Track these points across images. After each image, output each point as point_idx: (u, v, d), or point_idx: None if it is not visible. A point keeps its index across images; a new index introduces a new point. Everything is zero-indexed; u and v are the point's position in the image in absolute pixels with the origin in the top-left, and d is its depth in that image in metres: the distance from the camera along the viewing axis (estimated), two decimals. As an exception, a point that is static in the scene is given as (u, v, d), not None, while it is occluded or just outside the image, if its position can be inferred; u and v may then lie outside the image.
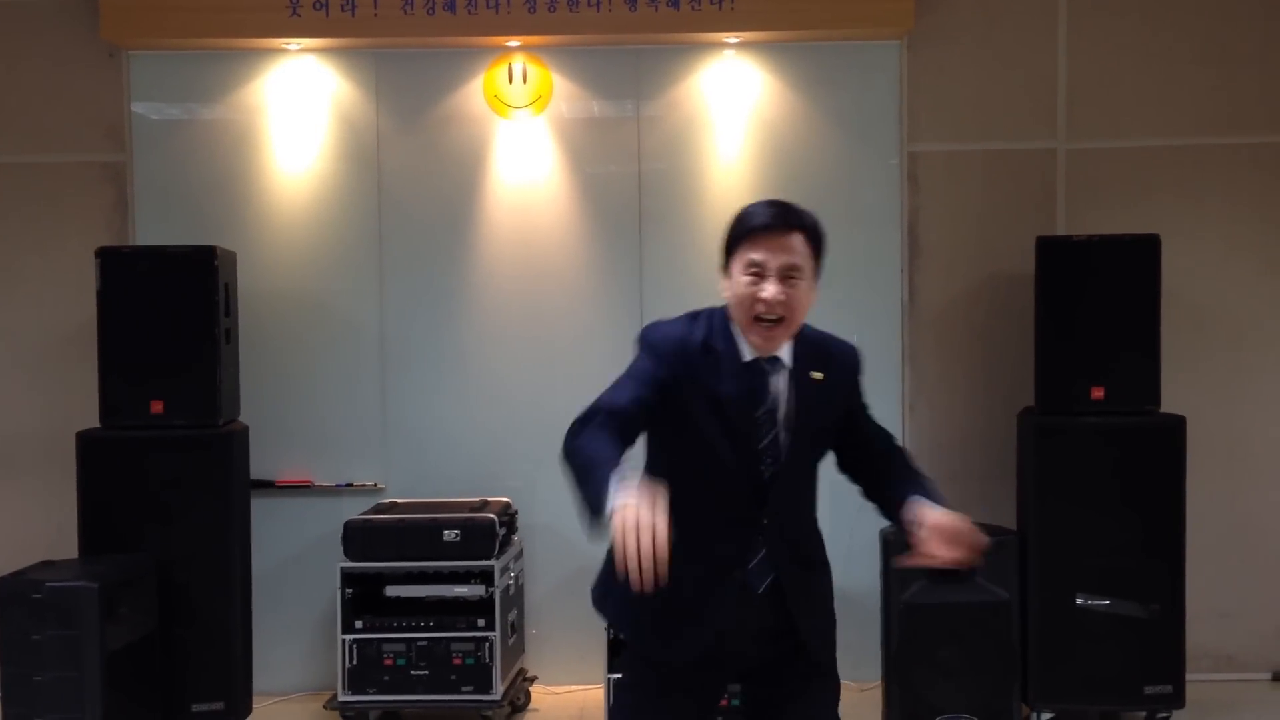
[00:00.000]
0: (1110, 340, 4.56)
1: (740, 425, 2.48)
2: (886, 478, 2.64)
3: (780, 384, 2.53)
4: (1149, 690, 4.52)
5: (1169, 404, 4.60)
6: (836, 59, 5.18)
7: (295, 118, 5.20)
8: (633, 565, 2.11)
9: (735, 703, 3.05)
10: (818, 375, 2.54)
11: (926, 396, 5.20)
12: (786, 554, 2.55)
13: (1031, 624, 4.53)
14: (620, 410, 2.42)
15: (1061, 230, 5.09)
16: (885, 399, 5.17)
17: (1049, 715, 4.59)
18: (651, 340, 2.54)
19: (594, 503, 2.23)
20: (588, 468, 2.30)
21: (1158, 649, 4.51)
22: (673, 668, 2.53)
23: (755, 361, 2.52)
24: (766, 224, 2.47)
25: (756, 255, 2.46)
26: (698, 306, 2.68)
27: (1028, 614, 4.53)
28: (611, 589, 2.52)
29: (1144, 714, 4.62)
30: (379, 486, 5.18)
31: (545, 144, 5.21)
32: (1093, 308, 4.56)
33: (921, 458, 5.11)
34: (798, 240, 2.48)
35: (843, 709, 4.90)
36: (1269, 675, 5.18)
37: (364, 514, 4.78)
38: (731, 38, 5.09)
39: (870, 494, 2.70)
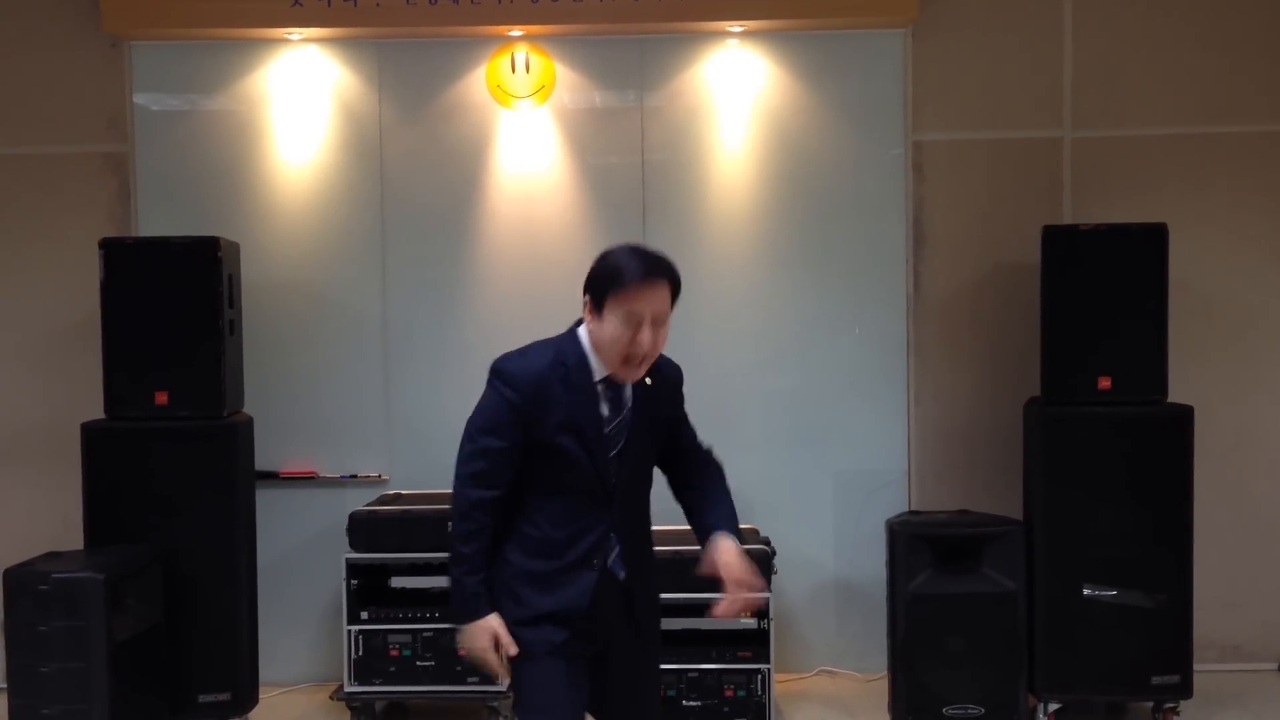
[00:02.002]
0: (1117, 330, 4.54)
1: (594, 439, 2.74)
2: (698, 491, 2.94)
3: (629, 394, 2.80)
4: (1156, 680, 4.51)
5: (1176, 394, 4.59)
6: (841, 48, 5.16)
7: (297, 108, 5.18)
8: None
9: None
10: (649, 381, 2.80)
11: (932, 387, 5.19)
12: (636, 545, 2.85)
13: (1038, 614, 4.52)
14: (494, 506, 2.78)
15: (1067, 219, 5.07)
16: (890, 389, 5.20)
17: (1056, 705, 4.58)
18: (506, 374, 2.78)
19: (457, 606, 2.80)
20: (458, 576, 2.78)
21: (1165, 639, 4.50)
22: (559, 635, 2.78)
23: (606, 379, 2.77)
24: (644, 279, 2.68)
25: (634, 307, 2.67)
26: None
27: (1034, 604, 4.52)
28: (498, 595, 2.83)
29: (1151, 704, 4.62)
30: (383, 478, 5.18)
31: (548, 134, 5.20)
32: (1099, 297, 4.54)
33: (927, 448, 5.18)
34: (665, 290, 2.72)
35: (850, 699, 4.94)
36: (1276, 665, 5.18)
37: (368, 505, 4.77)
38: (735, 26, 5.07)
39: (678, 497, 2.98)
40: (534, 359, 2.77)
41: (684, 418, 2.97)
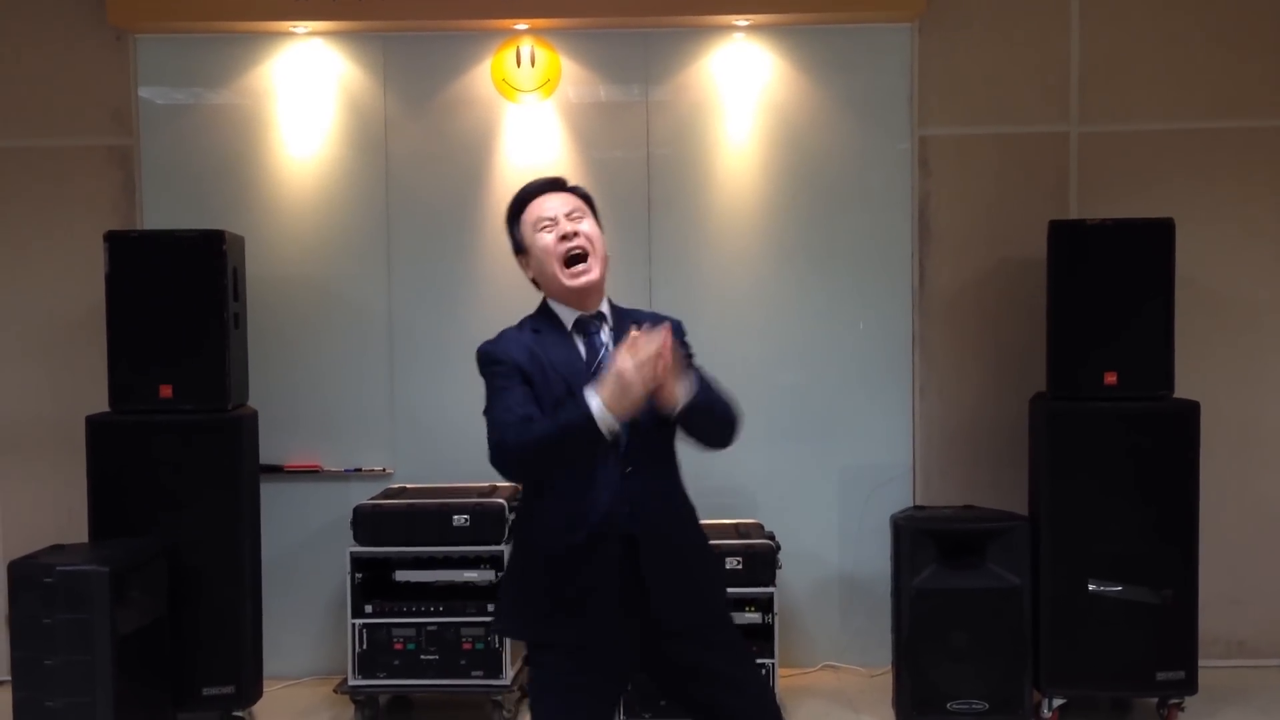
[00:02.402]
0: (1123, 325, 4.53)
1: (576, 383, 2.60)
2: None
3: (608, 338, 2.72)
4: (1161, 676, 4.50)
5: (1182, 389, 4.58)
6: (847, 42, 5.15)
7: (302, 102, 5.18)
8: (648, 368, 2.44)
9: None
10: (636, 329, 2.59)
11: (937, 382, 5.18)
12: (653, 509, 2.67)
13: (1043, 609, 4.51)
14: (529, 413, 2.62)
15: (1074, 215, 5.06)
16: (895, 384, 5.19)
17: (1060, 701, 4.57)
18: (490, 352, 2.73)
19: (588, 429, 2.48)
20: (560, 428, 2.53)
21: (1170, 635, 4.49)
22: (575, 654, 2.64)
23: (579, 321, 2.73)
24: (539, 188, 2.75)
25: (540, 214, 2.72)
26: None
27: (1039, 599, 4.52)
28: (504, 605, 2.77)
29: (1156, 700, 4.61)
30: (387, 471, 5.18)
31: (553, 128, 5.19)
32: (1105, 292, 4.52)
33: (932, 443, 5.17)
34: (563, 194, 2.76)
35: (854, 694, 4.93)
36: (1281, 661, 5.18)
37: (373, 499, 4.78)
38: (741, 20, 5.06)
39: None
40: (507, 333, 2.77)
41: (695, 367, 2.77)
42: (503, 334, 2.77)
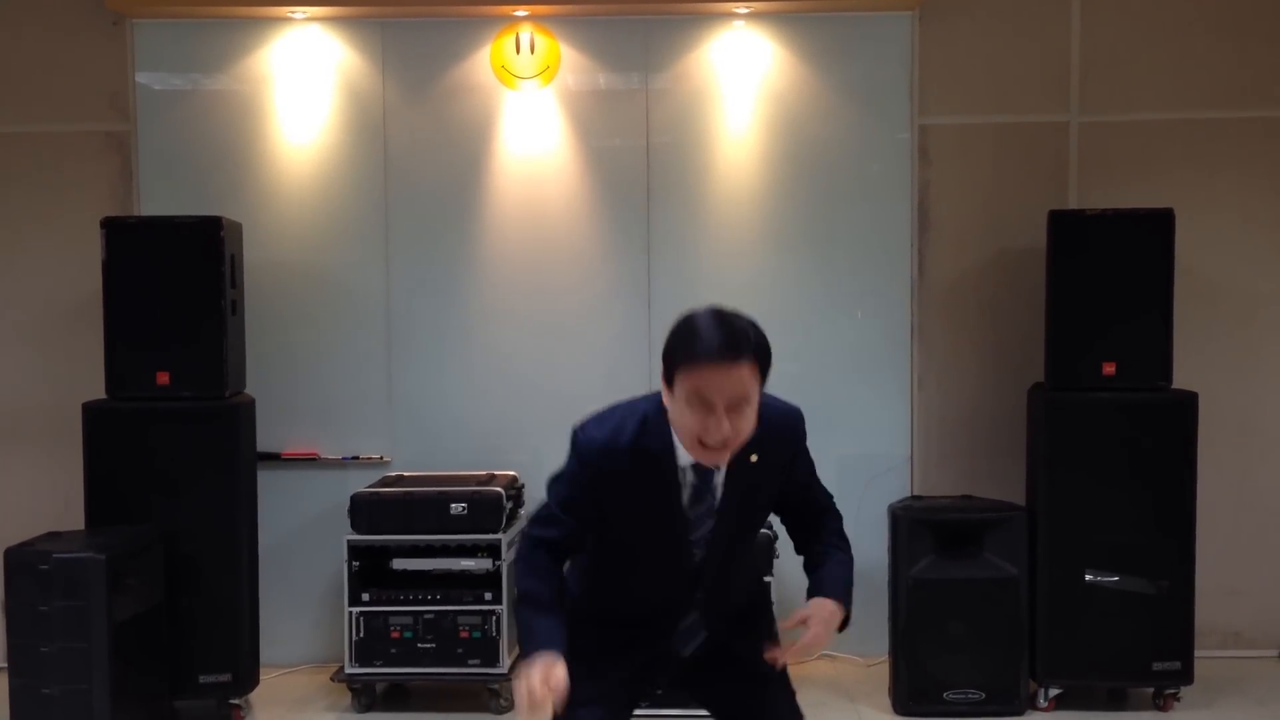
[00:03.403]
0: (1122, 315, 4.52)
1: (670, 527, 2.48)
2: (816, 553, 2.69)
3: (720, 479, 2.49)
4: (1157, 666, 4.51)
5: (1181, 380, 4.58)
6: (847, 31, 5.13)
7: (301, 88, 5.16)
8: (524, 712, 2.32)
9: None
10: (754, 458, 2.46)
11: (936, 372, 5.17)
12: (720, 619, 2.63)
13: (1040, 600, 4.52)
14: (556, 544, 2.54)
15: (1073, 204, 5.05)
16: (894, 374, 5.19)
17: (1056, 691, 4.58)
18: (580, 445, 2.51)
19: (523, 646, 2.46)
20: (524, 618, 2.48)
21: (1166, 625, 4.50)
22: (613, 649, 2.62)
23: (696, 463, 2.45)
24: (715, 357, 2.30)
25: (704, 391, 2.31)
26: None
27: (1036, 590, 4.52)
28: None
29: (1152, 690, 4.61)
30: (385, 460, 5.17)
31: (552, 116, 5.17)
32: (1105, 282, 4.52)
33: (930, 433, 5.17)
34: (745, 370, 2.33)
35: (851, 684, 4.93)
36: (1277, 652, 5.18)
37: (370, 487, 4.77)
38: (741, 8, 5.04)
39: (797, 549, 2.76)
40: (614, 434, 2.46)
41: (811, 484, 2.68)
42: (611, 424, 2.48)
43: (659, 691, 2.81)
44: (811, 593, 2.59)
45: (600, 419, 2.51)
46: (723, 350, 2.30)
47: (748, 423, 2.36)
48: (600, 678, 2.57)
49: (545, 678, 2.32)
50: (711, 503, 2.49)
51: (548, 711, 2.36)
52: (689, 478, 2.47)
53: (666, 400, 2.40)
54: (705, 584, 2.58)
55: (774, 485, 2.59)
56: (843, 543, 2.68)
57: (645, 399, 2.51)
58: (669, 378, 2.38)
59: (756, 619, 2.76)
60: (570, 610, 2.55)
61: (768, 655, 2.57)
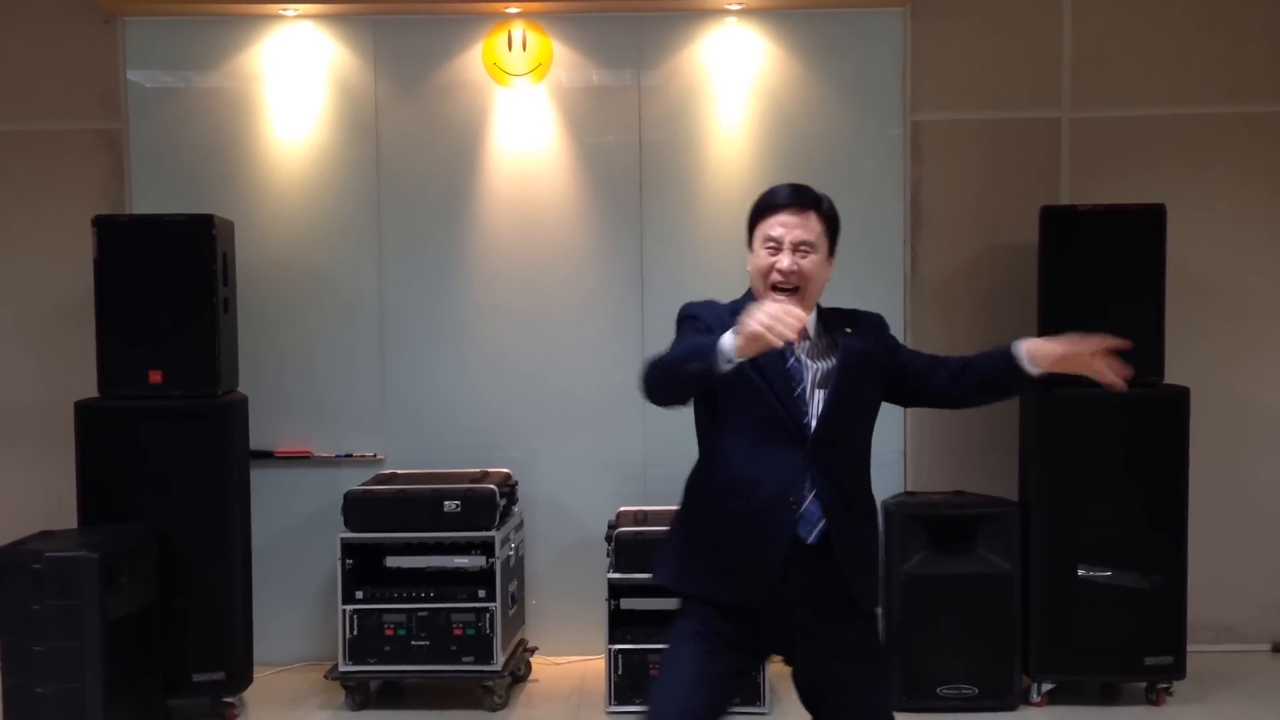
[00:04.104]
0: (1114, 310, 4.52)
1: (771, 366, 2.64)
2: (962, 367, 2.80)
3: (803, 350, 2.71)
4: (1150, 661, 4.53)
5: (1172, 375, 4.59)
6: (839, 27, 5.13)
7: (293, 85, 5.15)
8: (780, 325, 2.37)
9: None
10: (848, 330, 2.76)
11: (928, 367, 5.17)
12: (837, 500, 2.68)
13: (1033, 595, 4.53)
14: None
15: (1065, 200, 5.06)
16: (887, 370, 5.17)
17: (1050, 685, 4.59)
18: (689, 309, 2.76)
19: (706, 355, 2.47)
20: (685, 351, 2.56)
21: (1159, 620, 4.51)
22: (726, 617, 2.64)
23: None
24: (784, 202, 2.73)
25: (774, 231, 2.71)
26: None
27: (1029, 585, 4.53)
28: (672, 553, 2.75)
29: (1145, 684, 4.63)
30: (378, 457, 5.17)
31: (545, 113, 5.17)
32: (1097, 278, 4.53)
33: (923, 428, 5.17)
34: (812, 218, 2.74)
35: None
36: (1269, 646, 5.20)
37: (364, 485, 4.77)
38: (734, 5, 5.04)
39: (962, 396, 2.82)
40: (713, 301, 2.78)
41: (909, 351, 2.89)
42: (709, 300, 2.78)
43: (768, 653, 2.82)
44: (1006, 358, 2.75)
45: (700, 300, 2.79)
46: (791, 198, 2.74)
47: (813, 266, 2.70)
48: (732, 581, 2.62)
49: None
50: (799, 366, 2.69)
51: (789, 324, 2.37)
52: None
53: (750, 265, 2.75)
54: (817, 450, 2.65)
55: (872, 366, 2.76)
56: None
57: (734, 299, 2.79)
58: (750, 236, 2.76)
59: (868, 545, 2.79)
60: (694, 518, 2.70)
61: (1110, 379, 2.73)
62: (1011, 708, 4.50)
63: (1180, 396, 4.53)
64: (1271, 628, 5.21)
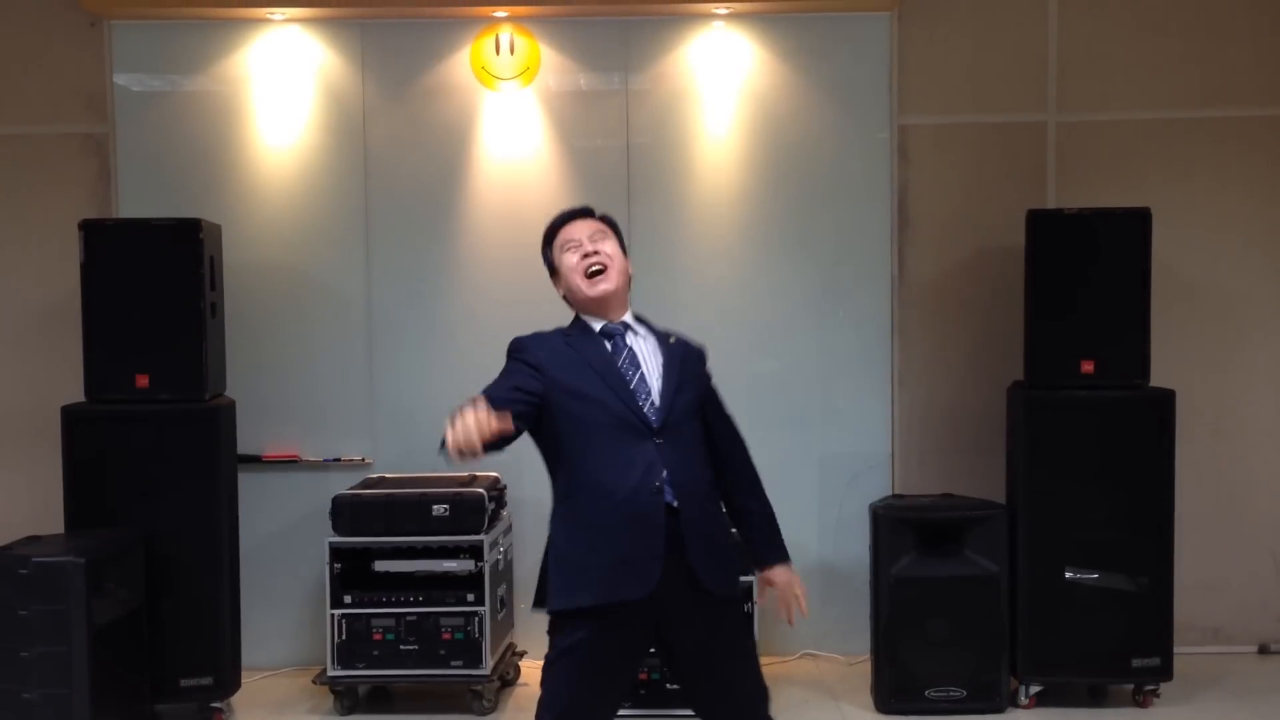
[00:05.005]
0: (1100, 314, 4.55)
1: (606, 369, 2.89)
2: (739, 495, 3.06)
3: (634, 341, 2.97)
4: (1137, 663, 4.54)
5: (1158, 377, 4.61)
6: (826, 31, 5.15)
7: (280, 89, 5.15)
8: (456, 439, 2.56)
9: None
10: (671, 340, 3.02)
11: (916, 370, 5.19)
12: (686, 481, 2.85)
13: (1020, 597, 4.54)
14: (498, 399, 2.73)
15: (1052, 204, 5.08)
16: (874, 373, 5.21)
17: (1037, 688, 4.60)
18: (515, 342, 2.99)
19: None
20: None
21: (1146, 622, 4.52)
22: (602, 624, 2.77)
23: (605, 328, 2.97)
24: (569, 215, 3.06)
25: (569, 234, 3.01)
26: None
27: (1017, 587, 4.54)
28: (555, 581, 2.86)
29: (1132, 686, 4.64)
30: (367, 461, 5.17)
31: (532, 117, 5.17)
32: (1083, 281, 4.55)
33: (911, 431, 5.19)
34: (588, 220, 3.05)
35: (833, 682, 4.95)
36: (1256, 648, 5.22)
37: (352, 489, 4.76)
38: (721, 9, 5.05)
39: (729, 502, 3.07)
40: (540, 333, 3.01)
41: (718, 400, 3.06)
42: (536, 333, 3.01)
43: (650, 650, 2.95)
44: (760, 560, 3.07)
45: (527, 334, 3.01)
46: (572, 213, 3.08)
47: (613, 249, 2.99)
48: (633, 579, 2.76)
49: (476, 407, 2.57)
50: (634, 357, 2.93)
51: (477, 444, 2.55)
52: (606, 340, 2.95)
53: (561, 287, 3.04)
54: (663, 436, 2.83)
55: (692, 377, 2.98)
56: (759, 490, 3.08)
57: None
58: (552, 267, 3.05)
59: (719, 528, 2.96)
60: (575, 546, 2.83)
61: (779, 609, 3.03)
62: (1000, 710, 4.51)
63: (1166, 399, 4.56)
64: (1258, 629, 5.23)
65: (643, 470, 2.79)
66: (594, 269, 2.95)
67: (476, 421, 2.55)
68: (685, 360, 2.99)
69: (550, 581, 2.88)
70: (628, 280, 3.03)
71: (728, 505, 3.04)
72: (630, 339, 2.97)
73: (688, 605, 2.82)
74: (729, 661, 2.88)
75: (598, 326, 2.98)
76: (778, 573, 3.06)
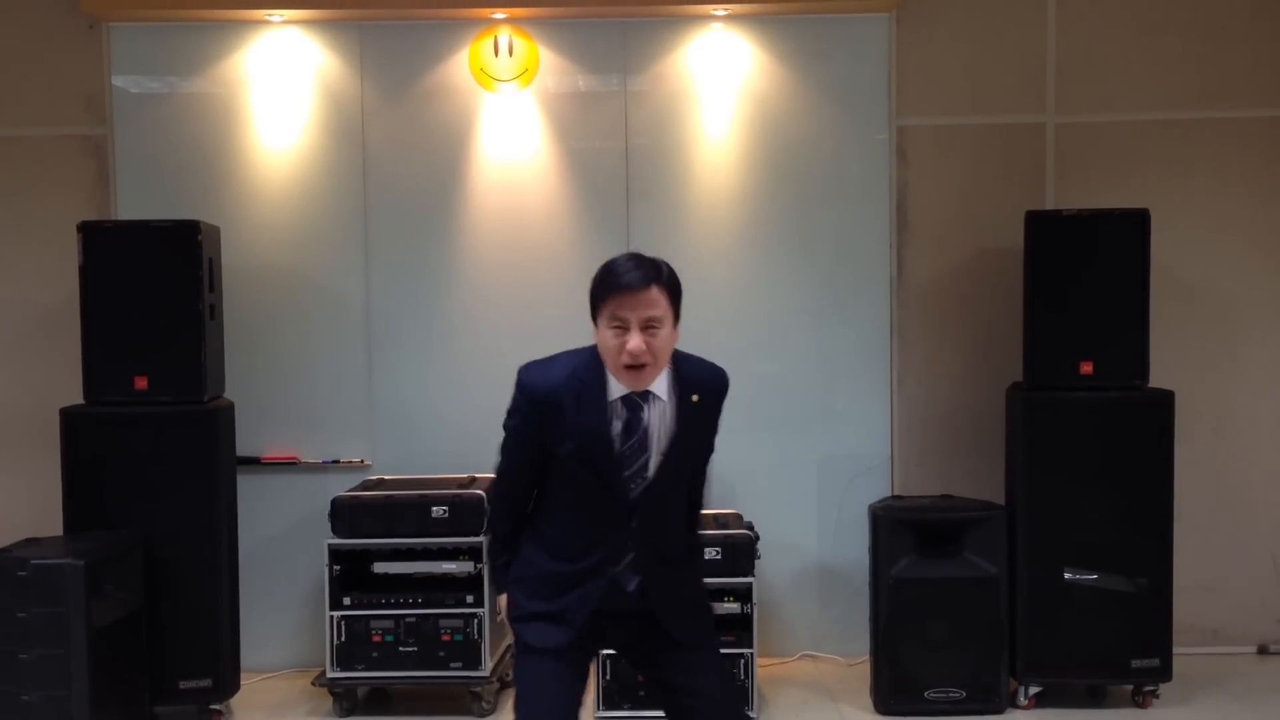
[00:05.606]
0: (1099, 315, 4.55)
1: (604, 458, 2.72)
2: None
3: (653, 414, 2.76)
4: (1136, 664, 4.54)
5: (1157, 378, 4.61)
6: (825, 32, 5.15)
7: (279, 91, 5.14)
8: None
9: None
10: (695, 398, 2.78)
11: (915, 371, 5.19)
12: (654, 558, 2.81)
13: (1020, 598, 4.54)
14: (517, 498, 2.87)
15: (1050, 205, 5.08)
16: (874, 374, 5.21)
17: (1037, 688, 4.60)
18: (523, 383, 2.82)
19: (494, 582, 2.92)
20: (491, 556, 2.97)
21: (1145, 623, 4.53)
22: (556, 649, 2.81)
23: (627, 396, 2.74)
24: (627, 283, 2.68)
25: (618, 311, 2.68)
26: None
27: (1016, 588, 4.54)
28: (518, 592, 2.90)
29: (1131, 687, 4.64)
30: (366, 463, 5.16)
31: (531, 118, 5.17)
32: (1082, 282, 4.55)
33: (911, 432, 5.19)
34: (656, 293, 2.70)
35: (833, 683, 4.95)
36: (1255, 648, 5.21)
37: (351, 491, 4.76)
38: (720, 10, 5.05)
39: None
40: (553, 372, 2.78)
41: (710, 448, 2.93)
42: (548, 369, 2.79)
43: (609, 651, 3.08)
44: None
45: (544, 362, 2.83)
46: (634, 276, 2.68)
47: (661, 342, 2.69)
48: (557, 629, 2.79)
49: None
50: (645, 439, 2.74)
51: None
52: (620, 411, 2.74)
53: (596, 338, 2.74)
54: (639, 521, 2.77)
55: (705, 432, 2.85)
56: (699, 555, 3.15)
57: (586, 348, 2.80)
58: (595, 314, 2.73)
59: (688, 580, 2.94)
60: (528, 574, 2.85)
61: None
62: (999, 711, 4.51)
63: (1165, 400, 4.56)
64: (1257, 630, 5.23)
65: (605, 552, 2.77)
66: (634, 366, 2.69)
67: None
68: (699, 421, 2.81)
69: (514, 590, 2.92)
70: (668, 357, 2.76)
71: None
72: (648, 412, 2.74)
73: (650, 642, 2.86)
74: (698, 676, 2.87)
75: (616, 393, 2.73)
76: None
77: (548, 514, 2.85)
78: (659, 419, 2.75)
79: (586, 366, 2.75)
